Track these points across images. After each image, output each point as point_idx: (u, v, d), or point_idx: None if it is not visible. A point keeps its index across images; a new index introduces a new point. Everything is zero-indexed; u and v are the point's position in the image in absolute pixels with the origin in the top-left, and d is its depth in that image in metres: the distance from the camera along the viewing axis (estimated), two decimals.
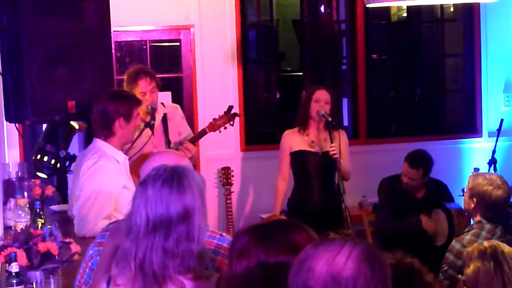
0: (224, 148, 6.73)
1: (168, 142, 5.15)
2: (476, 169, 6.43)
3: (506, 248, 3.24)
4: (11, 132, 5.17)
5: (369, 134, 7.28)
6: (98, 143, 4.02)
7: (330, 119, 5.34)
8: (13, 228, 3.77)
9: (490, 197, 4.13)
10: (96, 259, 2.74)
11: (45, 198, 4.44)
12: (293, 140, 5.54)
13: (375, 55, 7.56)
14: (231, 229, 6.39)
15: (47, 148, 5.08)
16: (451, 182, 6.10)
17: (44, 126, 5.37)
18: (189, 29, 6.71)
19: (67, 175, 5.01)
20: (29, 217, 3.73)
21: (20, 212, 3.77)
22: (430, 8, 7.53)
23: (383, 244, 5.41)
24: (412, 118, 7.56)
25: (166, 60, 7.06)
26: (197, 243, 2.26)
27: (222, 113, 5.21)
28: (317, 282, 1.66)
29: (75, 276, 2.89)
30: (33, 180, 4.52)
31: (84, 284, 2.80)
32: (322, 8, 7.57)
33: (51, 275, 3.02)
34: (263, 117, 7.39)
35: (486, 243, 3.28)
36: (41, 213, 3.75)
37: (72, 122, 5.05)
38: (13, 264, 2.89)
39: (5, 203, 4.34)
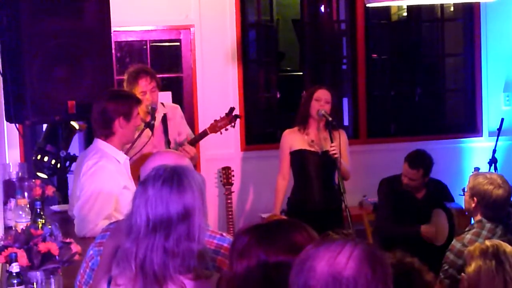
0: (224, 147, 6.73)
1: (168, 142, 5.16)
2: (477, 169, 6.43)
3: (508, 247, 3.24)
4: (11, 132, 5.17)
5: (370, 133, 7.28)
6: (99, 143, 4.02)
7: (330, 118, 5.34)
8: (13, 229, 3.78)
9: (490, 197, 4.13)
10: (97, 259, 2.74)
11: (46, 198, 4.44)
12: (293, 140, 5.54)
13: (375, 55, 7.56)
14: (231, 229, 6.39)
15: (47, 148, 5.07)
16: (451, 181, 6.10)
17: (44, 126, 5.37)
18: (189, 29, 6.71)
19: (68, 175, 5.01)
20: (29, 217, 3.73)
21: (20, 212, 3.77)
22: (430, 8, 7.53)
23: (383, 244, 5.40)
24: (412, 118, 7.56)
25: (166, 60, 7.06)
26: (198, 242, 2.26)
27: (223, 114, 5.22)
28: (318, 281, 1.65)
29: (75, 276, 2.89)
30: (33, 180, 4.52)
31: (85, 284, 2.80)
32: (322, 8, 7.56)
33: (51, 275, 3.02)
34: (263, 117, 7.39)
35: (488, 242, 3.28)
36: (42, 213, 3.75)
37: (72, 122, 5.05)
38: (14, 264, 2.90)
39: (5, 203, 4.34)
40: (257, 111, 7.25)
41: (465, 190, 4.33)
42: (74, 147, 5.67)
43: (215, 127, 5.18)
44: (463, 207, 4.57)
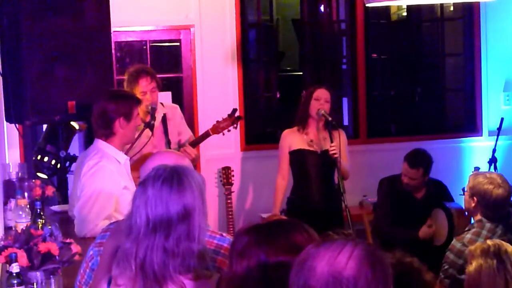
0: (224, 147, 6.73)
1: (168, 142, 5.16)
2: (477, 168, 6.43)
3: (509, 247, 3.24)
4: (11, 132, 5.17)
5: (370, 133, 7.28)
6: (99, 143, 4.02)
7: (330, 118, 5.35)
8: (13, 229, 3.78)
9: (490, 196, 4.13)
10: (97, 260, 2.74)
11: (46, 199, 4.44)
12: (292, 139, 5.55)
13: (375, 55, 7.55)
14: (231, 228, 6.39)
15: (47, 148, 5.08)
16: (451, 181, 6.10)
17: (44, 126, 5.37)
18: (189, 29, 6.71)
19: (67, 175, 5.02)
20: (29, 217, 3.73)
21: (20, 212, 3.77)
22: (430, 7, 7.53)
23: (382, 243, 5.40)
24: (412, 117, 7.56)
25: (166, 60, 7.06)
26: (198, 242, 2.26)
27: (223, 114, 5.22)
28: (318, 281, 1.66)
29: (75, 277, 2.89)
30: (33, 180, 4.52)
31: (85, 285, 2.81)
32: (322, 8, 7.56)
33: (51, 276, 3.03)
34: (263, 116, 7.38)
35: (489, 242, 3.28)
36: (42, 213, 3.75)
37: (72, 122, 5.05)
38: (14, 264, 2.90)
39: (5, 203, 4.34)
40: (257, 111, 7.25)
41: (465, 189, 4.33)
42: (74, 147, 5.67)
43: (217, 128, 5.19)
44: (463, 207, 4.56)
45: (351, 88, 7.33)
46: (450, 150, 7.24)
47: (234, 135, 6.67)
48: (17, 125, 4.73)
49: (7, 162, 5.03)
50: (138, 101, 4.24)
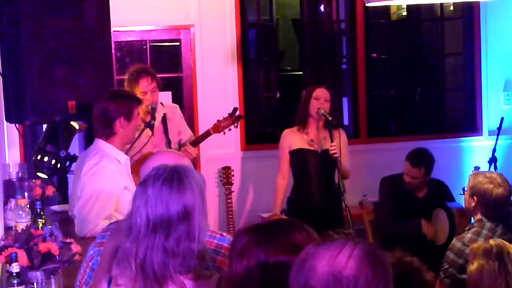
0: (224, 147, 6.73)
1: (168, 142, 5.16)
2: (477, 168, 6.43)
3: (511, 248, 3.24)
4: (11, 132, 5.17)
5: (370, 133, 7.28)
6: (100, 143, 4.02)
7: (330, 118, 5.35)
8: (13, 229, 3.78)
9: (490, 196, 4.13)
10: (97, 259, 2.74)
11: (46, 198, 4.44)
12: (292, 139, 5.55)
13: (375, 54, 7.55)
14: (231, 228, 6.39)
15: (47, 148, 5.08)
16: (451, 180, 6.10)
17: (44, 126, 5.37)
18: (189, 29, 6.71)
19: (68, 175, 5.02)
20: (29, 217, 3.73)
21: (20, 212, 3.77)
22: (430, 7, 7.53)
23: (382, 243, 5.40)
24: (412, 117, 7.56)
25: (166, 60, 7.06)
26: (198, 242, 2.26)
27: (223, 114, 5.22)
28: (318, 281, 1.66)
29: (75, 276, 2.89)
30: (33, 180, 4.52)
31: (85, 284, 2.81)
32: (322, 8, 7.56)
33: (51, 275, 3.03)
34: (263, 116, 7.39)
35: (492, 242, 3.27)
36: (42, 213, 3.75)
37: (72, 122, 5.05)
38: (14, 264, 2.90)
39: (5, 203, 4.34)
40: (257, 111, 7.25)
41: (465, 189, 4.33)
42: (74, 147, 5.68)
43: (218, 127, 5.19)
44: (463, 206, 4.57)
45: (351, 88, 7.34)
46: (450, 149, 7.24)
47: (234, 135, 6.67)
48: (17, 125, 4.73)
49: (7, 162, 5.02)
50: (139, 101, 4.24)
